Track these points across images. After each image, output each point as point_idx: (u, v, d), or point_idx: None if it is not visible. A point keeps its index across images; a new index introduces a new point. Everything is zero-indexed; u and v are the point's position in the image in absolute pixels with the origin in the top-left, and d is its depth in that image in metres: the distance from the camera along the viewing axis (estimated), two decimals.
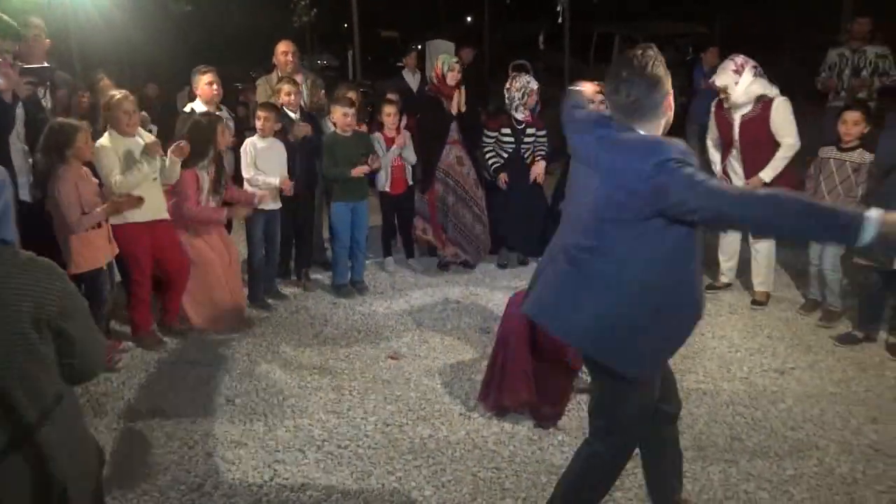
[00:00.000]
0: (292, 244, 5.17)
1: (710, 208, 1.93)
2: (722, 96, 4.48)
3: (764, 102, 4.34)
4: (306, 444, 3.24)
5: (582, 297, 2.18)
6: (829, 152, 4.26)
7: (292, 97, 4.90)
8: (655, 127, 2.18)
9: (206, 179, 4.36)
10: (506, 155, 5.30)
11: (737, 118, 4.42)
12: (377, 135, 5.27)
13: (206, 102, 4.79)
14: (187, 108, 4.85)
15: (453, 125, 5.35)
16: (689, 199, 1.94)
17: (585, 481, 2.41)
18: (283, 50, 5.40)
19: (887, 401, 3.49)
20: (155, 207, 4.13)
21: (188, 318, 4.45)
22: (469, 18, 22.99)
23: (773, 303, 4.68)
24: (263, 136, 4.63)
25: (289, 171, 4.73)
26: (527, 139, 5.30)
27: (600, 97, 5.00)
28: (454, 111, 5.32)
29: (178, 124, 4.77)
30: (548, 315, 2.31)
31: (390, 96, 5.84)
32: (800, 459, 3.04)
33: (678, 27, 12.33)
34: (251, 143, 4.63)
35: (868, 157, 4.07)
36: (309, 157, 4.94)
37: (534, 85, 5.25)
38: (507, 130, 5.26)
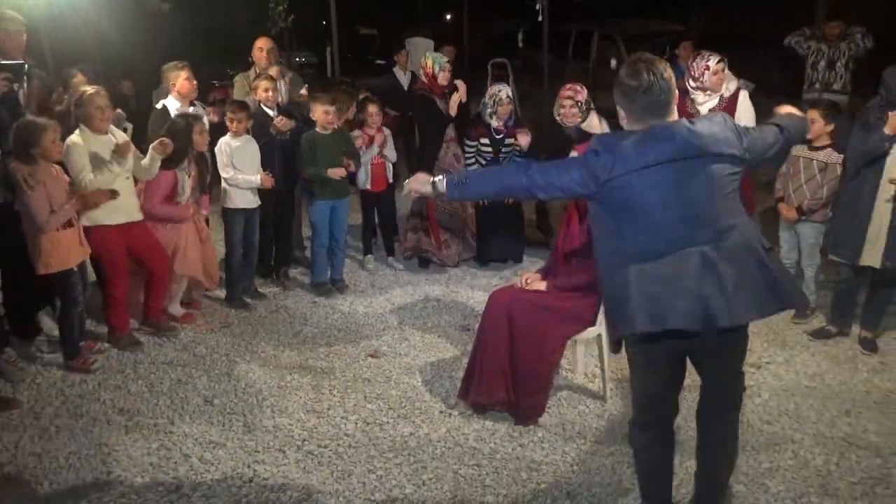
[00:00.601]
0: (272, 243, 5.13)
1: None
2: (696, 94, 4.52)
3: (729, 95, 4.42)
4: (286, 444, 3.22)
5: (755, 268, 2.24)
6: (799, 150, 4.30)
7: (270, 93, 4.87)
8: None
9: (185, 180, 4.34)
10: (484, 163, 5.33)
11: (703, 112, 4.46)
12: (358, 132, 5.26)
13: (184, 97, 4.74)
14: (159, 105, 4.79)
15: (450, 124, 5.33)
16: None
17: None
18: (261, 46, 5.37)
19: (860, 394, 3.56)
20: (128, 209, 4.08)
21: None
22: (449, 16, 22.97)
23: None
24: (237, 135, 4.60)
25: (269, 169, 4.71)
26: (504, 149, 5.34)
27: (570, 102, 5.05)
28: (452, 112, 5.30)
29: (150, 121, 4.72)
30: (759, 306, 2.23)
31: (367, 94, 5.83)
32: (775, 452, 3.09)
33: (655, 25, 12.42)
34: (226, 143, 4.59)
35: (836, 157, 4.11)
36: (288, 154, 4.90)
37: (504, 94, 5.22)
38: (486, 140, 5.29)
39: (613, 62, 11.35)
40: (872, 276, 3.96)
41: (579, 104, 4.89)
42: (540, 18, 11.49)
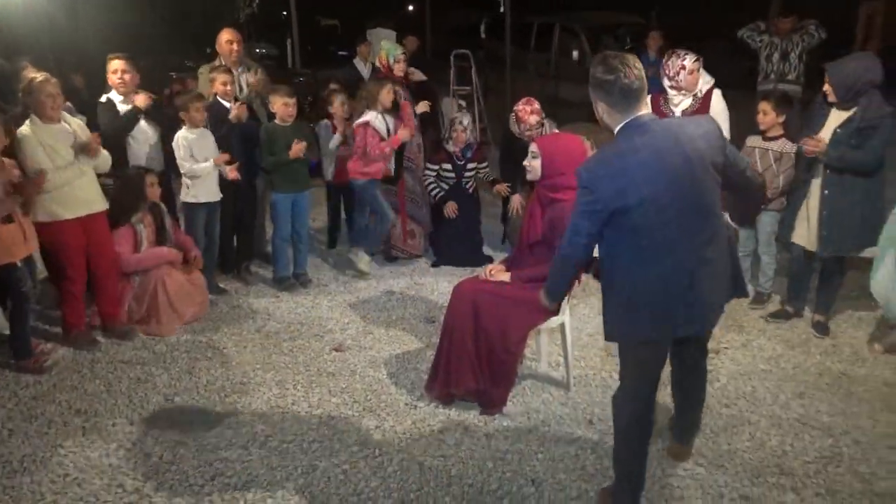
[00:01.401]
0: (232, 238, 5.06)
1: None
2: (671, 94, 4.51)
3: (702, 94, 4.45)
4: (250, 441, 3.19)
5: (728, 260, 2.52)
6: (754, 141, 4.40)
7: (228, 87, 4.79)
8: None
9: (142, 232, 4.33)
10: (447, 188, 5.35)
11: (677, 112, 4.47)
12: (325, 122, 5.27)
13: (115, 91, 4.60)
14: (104, 98, 4.67)
15: (409, 111, 5.30)
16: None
17: None
18: (228, 38, 5.20)
19: (813, 376, 3.67)
20: (88, 201, 3.99)
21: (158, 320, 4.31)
22: (410, 7, 22.84)
23: None
24: (195, 127, 4.51)
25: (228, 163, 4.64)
26: (467, 173, 5.37)
27: (535, 119, 5.10)
28: (407, 136, 5.25)
29: (98, 114, 4.61)
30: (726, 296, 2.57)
31: (334, 86, 5.77)
32: (734, 435, 3.16)
33: (616, 17, 12.55)
34: (182, 137, 4.51)
35: (789, 146, 4.21)
36: (247, 147, 4.83)
37: (459, 123, 5.27)
38: (448, 166, 5.32)
39: (575, 53, 11.44)
40: (821, 263, 4.08)
41: (541, 116, 4.99)
42: (502, 10, 11.50)
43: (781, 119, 4.24)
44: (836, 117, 3.80)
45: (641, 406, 2.57)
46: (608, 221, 2.34)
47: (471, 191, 5.44)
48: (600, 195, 2.31)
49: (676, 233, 2.33)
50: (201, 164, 4.52)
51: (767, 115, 4.22)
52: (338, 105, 5.31)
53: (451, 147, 5.34)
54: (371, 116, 4.97)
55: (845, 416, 3.29)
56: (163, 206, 4.52)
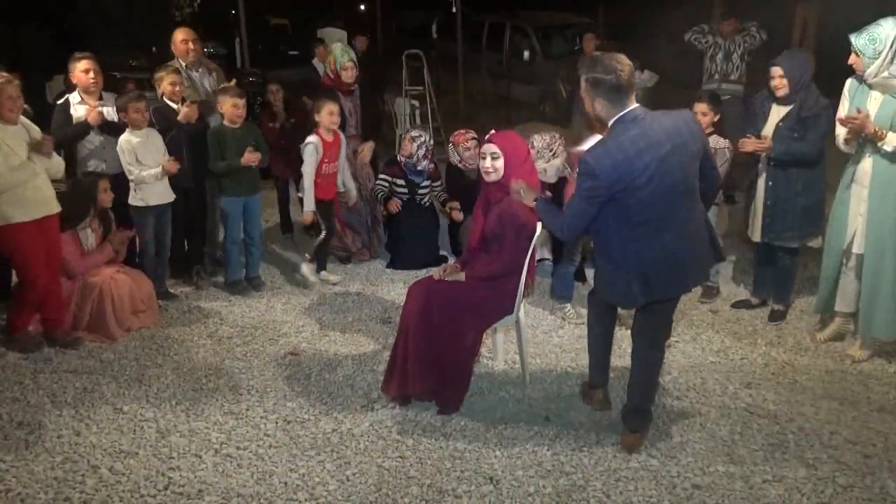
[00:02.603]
0: (183, 241, 4.94)
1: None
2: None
3: None
4: (203, 449, 3.12)
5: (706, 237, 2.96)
6: None
7: (176, 88, 4.68)
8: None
9: (88, 237, 4.23)
10: (399, 201, 5.31)
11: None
12: (313, 141, 4.68)
13: (84, 91, 4.49)
14: (62, 99, 4.51)
15: (351, 120, 5.25)
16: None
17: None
18: (183, 38, 5.06)
19: (759, 367, 3.79)
20: (43, 202, 3.87)
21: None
22: (362, 6, 22.70)
23: None
24: (137, 129, 4.39)
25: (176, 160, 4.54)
26: (421, 190, 5.37)
27: (474, 143, 5.25)
28: (365, 160, 5.21)
29: (54, 117, 4.47)
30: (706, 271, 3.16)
31: (274, 86, 5.61)
32: (685, 426, 3.24)
33: (565, 17, 12.71)
34: (125, 141, 4.38)
35: (722, 142, 4.38)
36: (196, 149, 4.72)
37: (415, 138, 5.25)
38: (402, 182, 5.29)
39: (526, 53, 11.54)
40: (774, 253, 4.23)
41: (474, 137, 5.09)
42: (454, 9, 11.53)
43: (717, 118, 4.42)
44: (777, 112, 3.95)
45: (600, 311, 3.21)
46: (606, 203, 2.68)
47: (426, 205, 5.42)
48: (604, 181, 2.63)
49: (665, 211, 2.68)
50: (149, 171, 4.38)
51: (707, 115, 4.38)
52: (325, 115, 4.67)
53: (401, 157, 5.29)
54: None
55: (790, 404, 3.40)
56: (111, 213, 4.38)
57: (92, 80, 4.47)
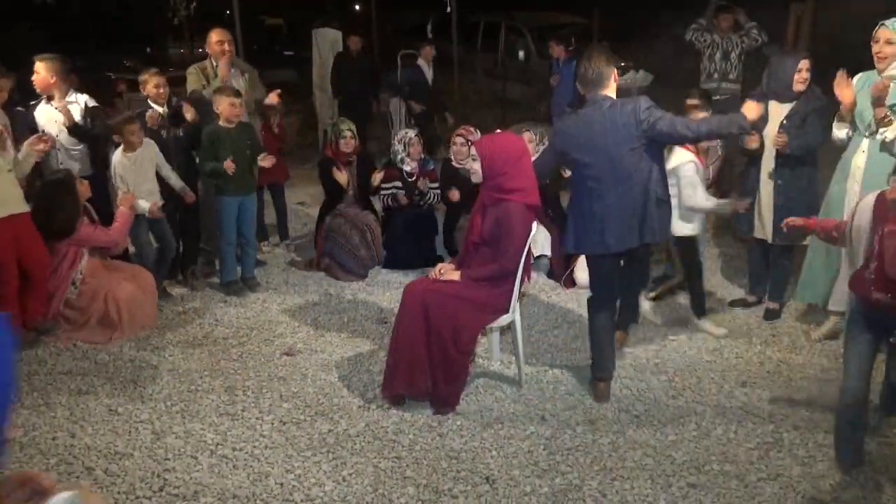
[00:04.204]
0: (178, 242, 4.93)
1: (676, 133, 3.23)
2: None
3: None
4: (198, 450, 3.11)
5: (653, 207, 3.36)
6: None
7: (160, 90, 4.68)
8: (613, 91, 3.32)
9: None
10: (397, 206, 5.30)
11: None
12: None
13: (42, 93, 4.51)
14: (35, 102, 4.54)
15: (349, 189, 5.25)
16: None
17: None
18: (218, 39, 5.03)
19: (754, 365, 3.80)
20: (11, 201, 3.84)
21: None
22: (357, 6, 22.67)
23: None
24: (131, 151, 4.42)
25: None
26: (425, 195, 5.36)
27: (461, 140, 5.37)
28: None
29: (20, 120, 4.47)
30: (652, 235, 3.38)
31: (272, 101, 5.39)
32: (680, 425, 3.25)
33: (560, 17, 12.71)
34: (118, 162, 4.41)
35: (715, 140, 4.41)
36: (184, 150, 4.72)
37: (412, 134, 5.31)
38: (399, 183, 5.29)
39: (521, 53, 11.54)
40: (771, 251, 4.25)
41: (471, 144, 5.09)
42: (448, 10, 11.53)
43: (708, 114, 4.44)
44: (776, 110, 3.96)
45: (600, 304, 3.50)
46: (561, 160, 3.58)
47: (425, 207, 5.39)
48: (554, 142, 3.53)
49: (604, 184, 3.24)
50: (140, 204, 4.38)
51: (700, 113, 4.41)
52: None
53: (407, 167, 5.26)
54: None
55: (785, 402, 3.41)
56: (89, 206, 4.33)
57: (43, 81, 4.45)
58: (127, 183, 4.42)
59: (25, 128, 4.42)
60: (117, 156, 4.43)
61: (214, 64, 5.08)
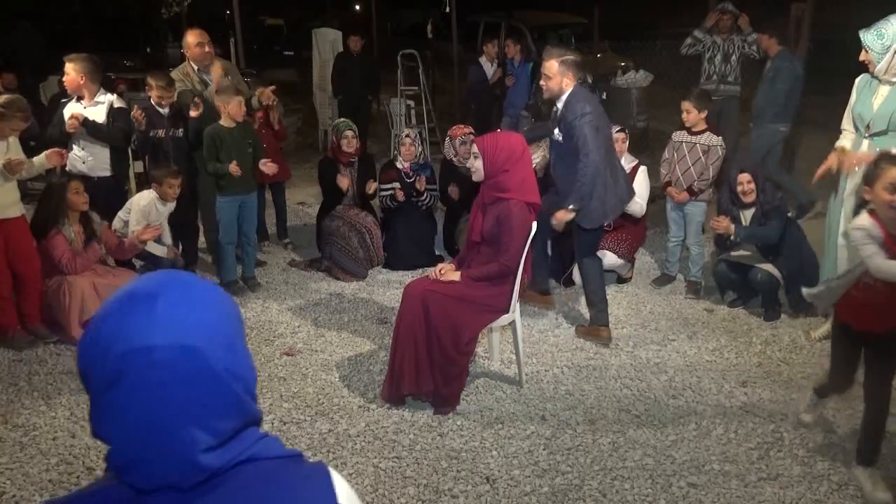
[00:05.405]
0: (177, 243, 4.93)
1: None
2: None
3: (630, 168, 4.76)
4: None
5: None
6: (680, 136, 4.64)
7: (164, 101, 4.67)
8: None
9: (72, 237, 4.18)
10: (395, 205, 5.31)
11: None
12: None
13: (72, 92, 4.53)
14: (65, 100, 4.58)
15: (350, 191, 5.24)
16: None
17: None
18: (197, 41, 4.96)
19: (754, 366, 3.80)
20: (6, 205, 3.87)
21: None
22: (357, 7, 22.68)
23: (647, 280, 4.97)
24: (166, 200, 4.51)
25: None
26: (422, 195, 5.36)
27: (471, 138, 5.38)
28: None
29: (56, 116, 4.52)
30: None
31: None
32: (680, 425, 3.25)
33: (560, 17, 12.72)
34: (148, 203, 4.45)
35: (715, 139, 4.42)
36: (180, 150, 4.73)
37: (406, 136, 5.32)
38: (398, 184, 5.30)
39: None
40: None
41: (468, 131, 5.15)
42: (448, 9, 11.52)
43: (703, 115, 4.46)
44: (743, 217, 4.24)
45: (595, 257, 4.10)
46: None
47: (424, 208, 5.39)
48: (593, 112, 3.82)
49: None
50: (156, 246, 4.48)
51: (690, 113, 4.46)
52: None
53: (399, 164, 5.30)
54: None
55: (785, 402, 3.41)
56: (93, 214, 4.29)
57: (73, 83, 4.47)
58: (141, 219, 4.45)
59: (58, 122, 4.48)
60: (148, 198, 4.45)
61: (195, 67, 5.03)
